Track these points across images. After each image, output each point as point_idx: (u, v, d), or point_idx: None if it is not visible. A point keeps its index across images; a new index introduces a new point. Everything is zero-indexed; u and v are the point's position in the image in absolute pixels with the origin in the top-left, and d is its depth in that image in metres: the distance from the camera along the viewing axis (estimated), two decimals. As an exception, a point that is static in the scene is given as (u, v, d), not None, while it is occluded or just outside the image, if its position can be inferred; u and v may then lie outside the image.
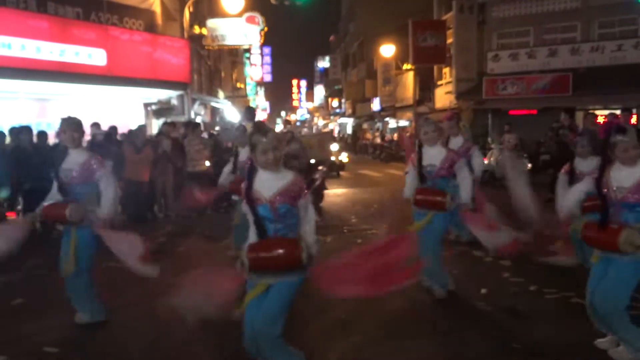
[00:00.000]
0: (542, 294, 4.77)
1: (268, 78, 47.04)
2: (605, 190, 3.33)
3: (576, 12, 18.52)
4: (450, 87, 21.94)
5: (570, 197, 3.82)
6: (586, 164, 4.71)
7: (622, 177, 3.29)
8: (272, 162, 3.00)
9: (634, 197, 3.23)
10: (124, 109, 13.75)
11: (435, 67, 24.14)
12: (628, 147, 3.24)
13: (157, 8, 15.39)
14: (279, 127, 44.21)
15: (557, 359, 3.58)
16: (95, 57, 12.13)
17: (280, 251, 3.00)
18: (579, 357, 3.58)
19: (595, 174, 4.55)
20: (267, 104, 59.37)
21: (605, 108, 16.19)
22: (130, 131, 9.70)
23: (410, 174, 4.91)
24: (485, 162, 14.08)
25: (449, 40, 21.96)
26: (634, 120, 9.19)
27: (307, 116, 74.74)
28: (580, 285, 4.65)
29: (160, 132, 10.65)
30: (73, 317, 4.31)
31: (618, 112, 11.15)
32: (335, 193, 12.76)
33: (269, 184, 3.03)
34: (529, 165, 12.46)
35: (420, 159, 4.68)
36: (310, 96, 75.01)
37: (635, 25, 17.70)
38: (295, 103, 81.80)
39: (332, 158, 18.03)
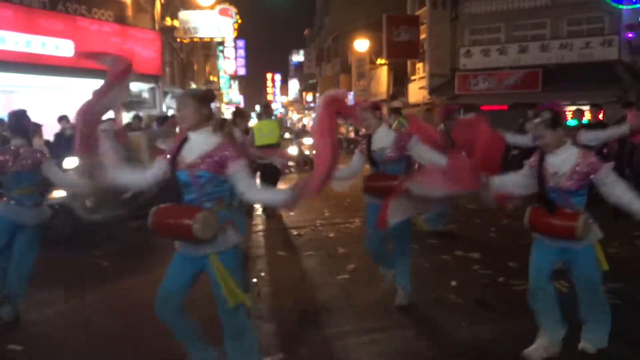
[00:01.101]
0: (510, 285, 4.86)
1: (242, 71, 46.65)
2: (544, 177, 3.28)
3: (546, 10, 18.86)
4: (423, 82, 22.12)
5: (510, 178, 3.52)
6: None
7: (558, 162, 3.25)
8: (192, 118, 2.81)
9: (575, 184, 3.20)
10: (93, 102, 13.47)
11: (408, 62, 24.30)
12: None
13: (127, -1, 15.10)
14: (253, 121, 43.88)
15: (526, 348, 3.66)
16: (62, 48, 11.84)
17: (171, 219, 2.83)
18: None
19: None
20: (241, 98, 58.91)
21: (573, 104, 16.54)
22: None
23: (353, 160, 4.46)
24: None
25: (423, 36, 22.13)
26: (601, 116, 9.40)
27: (282, 110, 74.45)
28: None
29: (129, 126, 10.46)
30: (38, 313, 4.23)
31: (586, 107, 11.41)
32: (309, 187, 12.76)
33: (195, 148, 2.83)
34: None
35: (369, 144, 4.35)
36: (284, 90, 74.74)
37: (602, 23, 18.13)
38: (269, 97, 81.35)
39: (307, 152, 18.02)
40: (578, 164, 3.19)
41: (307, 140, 18.91)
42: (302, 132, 25.04)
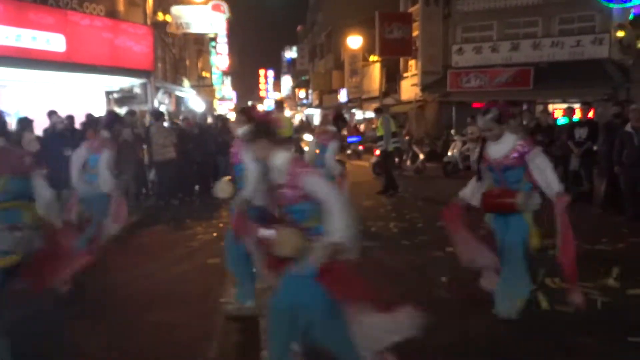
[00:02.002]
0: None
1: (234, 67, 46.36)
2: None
3: (537, 8, 18.94)
4: (416, 80, 22.17)
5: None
6: (496, 149, 4.03)
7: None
8: None
9: (291, 197, 2.74)
10: (84, 97, 13.37)
11: (401, 60, 24.33)
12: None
13: (119, -7, 14.97)
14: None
15: (515, 345, 3.69)
16: (53, 42, 11.72)
17: None
18: (534, 342, 3.70)
19: (507, 160, 3.98)
20: (233, 94, 58.69)
21: (564, 102, 16.68)
22: (92, 117, 9.43)
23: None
24: (449, 153, 14.35)
25: (415, 33, 22.17)
26: (591, 114, 9.48)
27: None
28: (534, 274, 4.83)
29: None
30: (29, 309, 4.20)
31: (576, 105, 11.49)
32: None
33: None
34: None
35: None
36: (277, 86, 74.48)
37: (593, 21, 18.24)
38: (262, 93, 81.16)
39: (306, 148, 17.92)
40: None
41: (307, 137, 18.82)
42: (301, 128, 24.87)
